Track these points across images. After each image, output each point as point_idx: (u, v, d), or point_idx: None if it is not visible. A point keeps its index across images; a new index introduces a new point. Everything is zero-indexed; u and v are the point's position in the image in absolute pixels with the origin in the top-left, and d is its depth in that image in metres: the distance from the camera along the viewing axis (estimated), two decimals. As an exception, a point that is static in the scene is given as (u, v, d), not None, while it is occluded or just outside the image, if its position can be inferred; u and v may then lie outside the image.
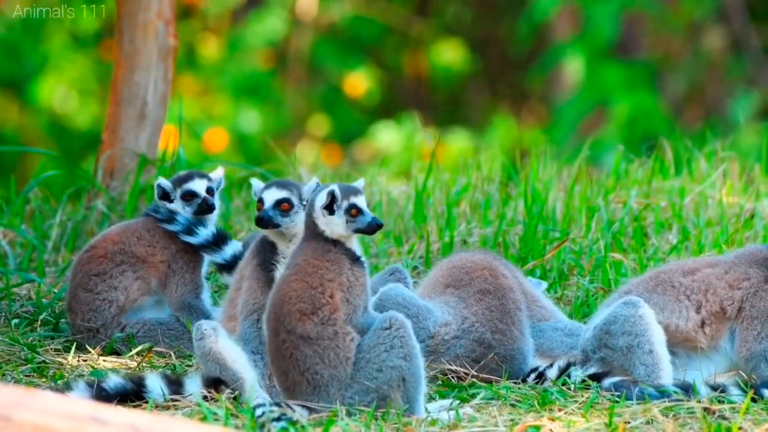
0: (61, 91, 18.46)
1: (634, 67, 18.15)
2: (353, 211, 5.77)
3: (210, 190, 7.16)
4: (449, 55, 20.04)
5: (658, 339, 6.30)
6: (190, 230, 7.14)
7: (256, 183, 6.39)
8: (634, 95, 17.70)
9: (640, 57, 18.65)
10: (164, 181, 7.17)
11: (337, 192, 5.77)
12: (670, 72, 18.76)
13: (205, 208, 7.16)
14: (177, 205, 7.16)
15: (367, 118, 19.47)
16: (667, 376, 6.27)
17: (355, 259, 5.75)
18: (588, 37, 18.04)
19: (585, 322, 6.97)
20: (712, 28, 18.95)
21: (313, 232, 5.78)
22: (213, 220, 7.23)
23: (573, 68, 18.45)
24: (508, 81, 20.67)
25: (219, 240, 7.17)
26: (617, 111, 17.73)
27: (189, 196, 7.16)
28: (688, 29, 18.79)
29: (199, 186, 7.17)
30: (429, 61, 20.25)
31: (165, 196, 7.16)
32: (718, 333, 6.42)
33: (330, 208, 5.76)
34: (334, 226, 5.77)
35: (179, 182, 7.18)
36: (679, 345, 6.43)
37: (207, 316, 7.00)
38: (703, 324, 6.43)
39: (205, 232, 7.14)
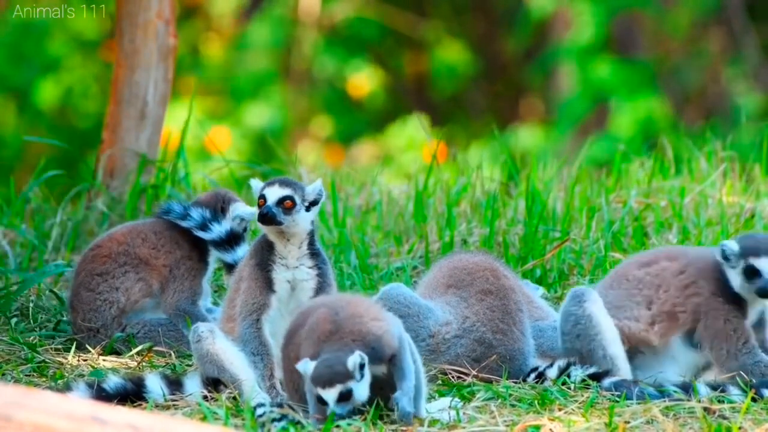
0: (62, 91, 18.46)
1: (634, 67, 18.15)
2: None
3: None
4: (451, 56, 20.05)
5: (610, 337, 6.28)
6: (204, 226, 7.10)
7: (256, 183, 6.29)
8: (638, 97, 17.69)
9: (639, 57, 18.65)
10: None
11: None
12: (671, 72, 18.76)
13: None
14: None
15: (369, 119, 19.48)
16: (625, 374, 6.24)
17: None
18: (580, 37, 18.05)
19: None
20: (711, 28, 18.95)
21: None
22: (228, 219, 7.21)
23: (569, 67, 18.47)
24: (508, 80, 20.68)
25: (232, 239, 7.12)
26: (625, 117, 17.70)
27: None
28: (688, 30, 18.79)
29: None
30: (431, 62, 20.26)
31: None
32: (669, 332, 6.31)
33: None
34: None
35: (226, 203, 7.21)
36: (641, 345, 6.35)
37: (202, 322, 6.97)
38: (653, 322, 6.34)
39: (218, 229, 7.11)
